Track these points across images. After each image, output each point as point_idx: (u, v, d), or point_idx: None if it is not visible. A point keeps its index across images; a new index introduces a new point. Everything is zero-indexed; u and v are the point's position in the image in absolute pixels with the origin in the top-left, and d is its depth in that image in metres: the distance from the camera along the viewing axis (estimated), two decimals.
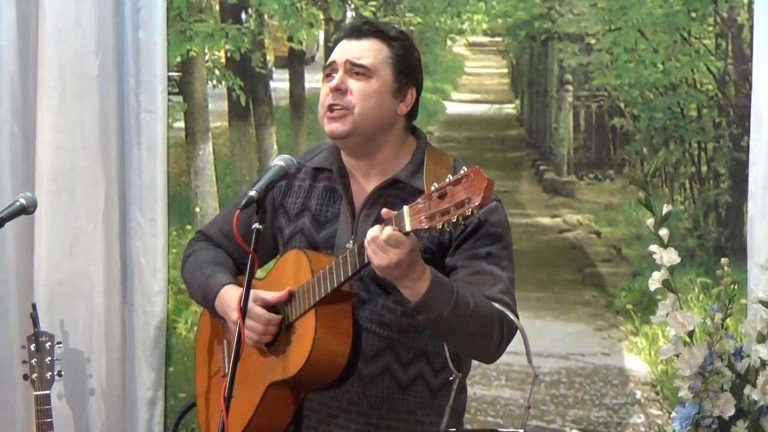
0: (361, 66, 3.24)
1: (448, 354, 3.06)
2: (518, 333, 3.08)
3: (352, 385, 3.23)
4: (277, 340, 3.28)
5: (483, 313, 3.08)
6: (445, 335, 3.10)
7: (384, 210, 3.00)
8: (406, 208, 2.93)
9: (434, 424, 3.25)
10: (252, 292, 3.24)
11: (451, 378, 3.03)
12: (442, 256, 3.21)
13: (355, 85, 3.24)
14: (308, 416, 3.27)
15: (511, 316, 3.03)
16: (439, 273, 3.08)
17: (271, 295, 3.27)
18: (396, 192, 3.24)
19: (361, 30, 3.29)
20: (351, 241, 3.19)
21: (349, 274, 3.10)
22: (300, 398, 3.28)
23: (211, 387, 3.55)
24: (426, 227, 2.88)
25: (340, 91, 3.23)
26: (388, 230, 2.93)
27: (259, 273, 3.46)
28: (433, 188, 2.88)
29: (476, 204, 2.79)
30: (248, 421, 3.28)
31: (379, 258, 2.95)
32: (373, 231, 2.96)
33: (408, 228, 2.91)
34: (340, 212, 3.30)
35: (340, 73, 3.25)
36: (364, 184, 3.30)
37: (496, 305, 3.07)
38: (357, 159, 3.31)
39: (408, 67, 3.30)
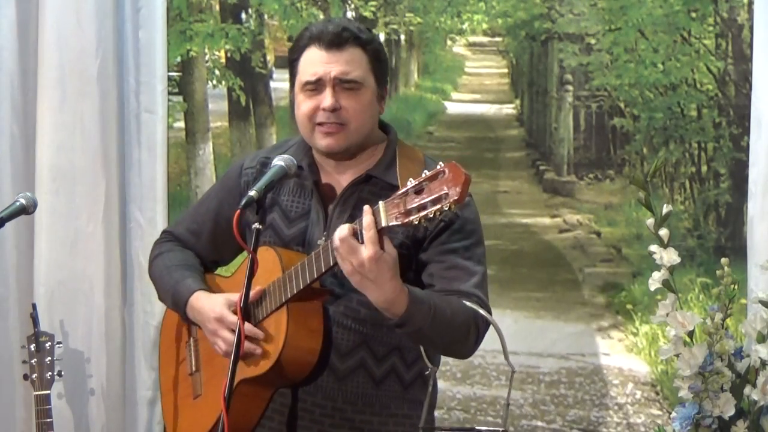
0: (352, 81, 3.17)
1: (423, 351, 3.05)
2: (525, 332, 3.07)
3: (327, 380, 3.23)
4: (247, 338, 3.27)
5: (459, 320, 3.08)
6: (422, 344, 3.10)
7: (365, 207, 2.95)
8: (381, 203, 2.89)
9: (406, 417, 3.26)
10: (222, 296, 3.25)
11: (426, 372, 3.00)
12: (417, 250, 3.20)
13: (347, 101, 3.17)
14: (282, 411, 3.26)
15: (484, 313, 3.02)
16: (416, 289, 3.05)
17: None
18: (370, 188, 3.22)
19: (341, 37, 3.18)
20: (323, 238, 3.18)
21: (322, 270, 3.07)
22: (270, 395, 3.26)
23: (179, 384, 3.54)
24: (401, 222, 2.85)
25: (334, 111, 3.17)
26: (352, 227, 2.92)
27: (224, 270, 3.46)
28: (409, 183, 2.84)
29: (454, 199, 2.77)
30: (217, 417, 3.27)
31: (346, 264, 2.92)
32: (342, 232, 2.93)
33: (384, 224, 2.88)
34: (310, 208, 3.27)
35: (329, 90, 3.17)
36: (338, 179, 3.28)
37: (469, 303, 3.05)
38: (335, 160, 3.28)
39: (383, 68, 3.25)
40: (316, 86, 3.19)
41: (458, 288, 3.14)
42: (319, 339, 3.19)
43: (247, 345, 3.19)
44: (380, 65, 3.24)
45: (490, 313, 3.12)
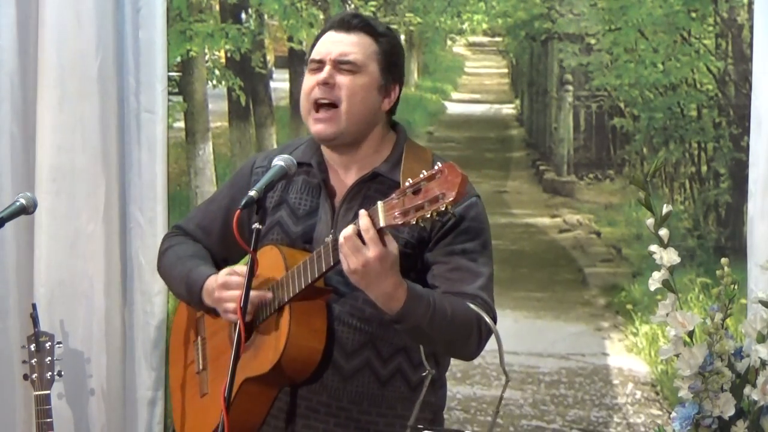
0: (349, 62, 3.23)
1: (423, 352, 3.05)
2: (525, 332, 3.06)
3: (332, 380, 3.23)
4: (252, 336, 3.28)
5: (460, 320, 3.08)
6: (422, 343, 3.09)
7: (361, 211, 2.99)
8: (380, 203, 2.92)
9: (416, 419, 3.25)
10: (227, 268, 3.28)
11: (424, 374, 3.01)
12: (422, 250, 3.21)
13: (342, 80, 3.23)
14: (287, 410, 3.26)
15: (487, 319, 3.02)
16: (416, 285, 3.07)
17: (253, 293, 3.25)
18: (376, 186, 3.24)
19: (350, 23, 3.27)
20: (330, 235, 3.18)
21: (324, 269, 3.08)
22: (275, 394, 3.27)
23: (186, 383, 3.54)
24: (400, 223, 2.88)
25: (328, 85, 3.22)
26: (359, 225, 2.94)
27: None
28: (407, 184, 2.87)
29: (450, 200, 2.79)
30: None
31: (350, 261, 2.95)
32: (347, 231, 2.96)
33: (382, 224, 2.91)
34: (318, 206, 3.29)
35: (328, 67, 3.23)
36: (344, 177, 3.30)
37: (473, 306, 3.06)
38: (338, 154, 3.30)
39: (394, 64, 3.29)
40: (318, 65, 3.26)
41: (462, 290, 3.14)
42: (322, 339, 3.19)
43: (249, 344, 3.22)
44: (391, 60, 3.29)
45: (494, 315, 3.13)
